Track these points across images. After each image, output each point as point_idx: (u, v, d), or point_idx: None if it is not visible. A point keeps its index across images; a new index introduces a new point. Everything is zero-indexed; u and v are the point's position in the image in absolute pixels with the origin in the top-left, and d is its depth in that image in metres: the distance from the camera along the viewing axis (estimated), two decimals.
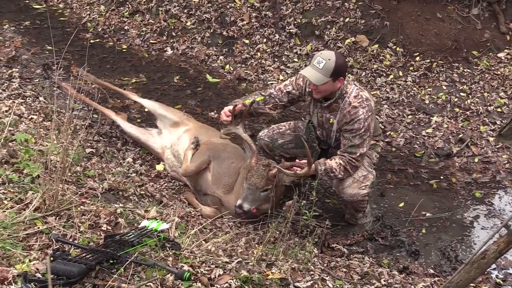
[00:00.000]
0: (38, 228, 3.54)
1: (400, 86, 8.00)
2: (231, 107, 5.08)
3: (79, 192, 4.24)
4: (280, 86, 5.34)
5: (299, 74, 5.20)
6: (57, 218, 3.73)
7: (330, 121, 5.13)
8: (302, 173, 4.79)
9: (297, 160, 4.97)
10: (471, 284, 3.99)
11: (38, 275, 3.05)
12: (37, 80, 7.23)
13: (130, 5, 9.65)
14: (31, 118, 5.74)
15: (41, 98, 6.50)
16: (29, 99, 6.37)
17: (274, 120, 6.82)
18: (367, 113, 4.94)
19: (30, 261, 3.18)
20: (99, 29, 9.38)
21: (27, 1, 10.11)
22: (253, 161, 4.94)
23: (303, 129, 5.51)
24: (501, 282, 4.89)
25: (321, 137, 5.39)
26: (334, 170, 4.98)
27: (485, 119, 7.35)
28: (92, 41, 8.96)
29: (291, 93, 5.29)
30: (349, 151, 4.99)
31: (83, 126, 5.79)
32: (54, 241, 3.40)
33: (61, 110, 6.24)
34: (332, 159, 5.03)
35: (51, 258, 3.11)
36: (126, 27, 9.40)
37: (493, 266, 5.00)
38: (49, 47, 8.20)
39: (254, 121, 6.85)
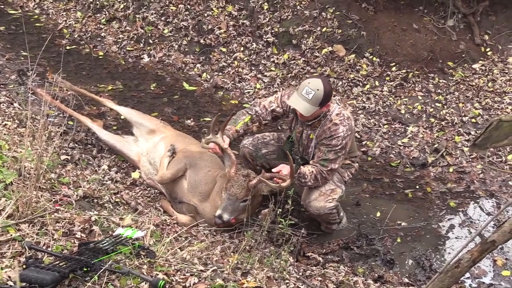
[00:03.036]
0: (11, 235, 3.49)
1: (376, 96, 8.05)
2: (225, 144, 4.95)
3: (53, 199, 4.18)
4: (264, 104, 5.34)
5: (288, 100, 5.14)
6: (31, 225, 3.68)
7: (310, 137, 5.14)
8: (285, 186, 4.74)
9: (281, 172, 4.95)
10: None
11: (10, 283, 3.01)
12: (12, 86, 7.16)
13: (107, 12, 9.62)
14: (5, 124, 5.69)
15: (15, 104, 6.45)
16: (3, 105, 6.31)
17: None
18: (347, 131, 4.98)
19: (2, 269, 3.14)
20: (76, 36, 9.32)
21: (2, 6, 10.02)
22: (233, 171, 4.85)
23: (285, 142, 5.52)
24: None
25: (299, 153, 5.39)
26: (306, 176, 5.00)
27: (460, 129, 7.41)
28: (68, 47, 8.92)
29: (275, 111, 5.31)
30: (321, 163, 5.02)
31: (58, 133, 5.74)
32: (27, 249, 3.36)
33: (36, 117, 6.17)
34: (305, 166, 5.07)
35: (24, 266, 3.07)
36: (102, 34, 9.36)
37: (467, 275, 5.04)
38: (24, 53, 8.14)
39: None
